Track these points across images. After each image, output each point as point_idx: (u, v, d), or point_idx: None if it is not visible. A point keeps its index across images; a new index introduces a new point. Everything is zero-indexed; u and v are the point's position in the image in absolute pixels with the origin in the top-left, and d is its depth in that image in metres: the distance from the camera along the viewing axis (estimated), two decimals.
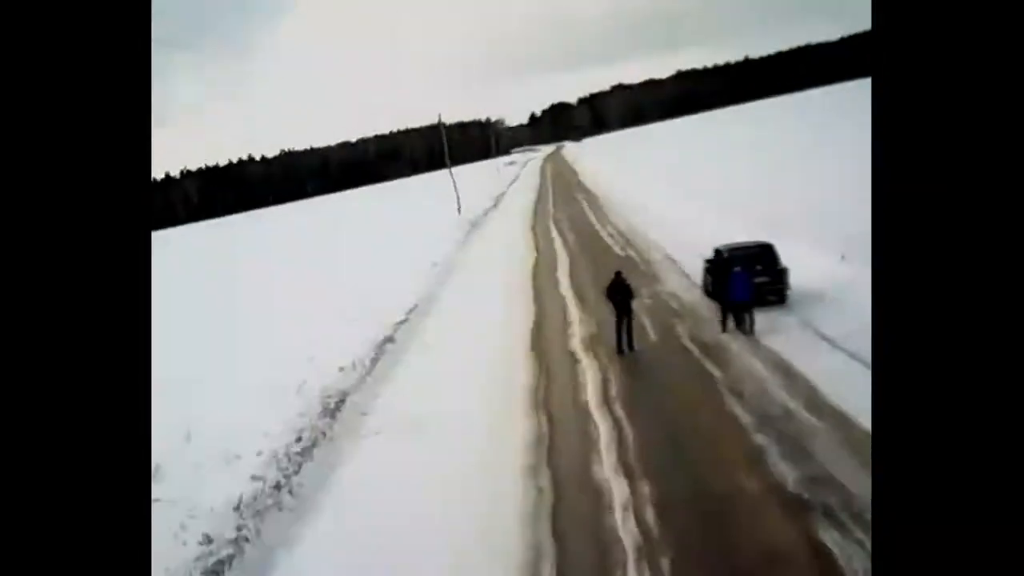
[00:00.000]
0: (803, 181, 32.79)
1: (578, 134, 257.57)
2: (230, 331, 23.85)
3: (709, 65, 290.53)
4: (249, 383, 16.31)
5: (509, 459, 11.13)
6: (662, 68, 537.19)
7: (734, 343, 14.59)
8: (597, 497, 9.53)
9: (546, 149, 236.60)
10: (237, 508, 11.02)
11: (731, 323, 15.34)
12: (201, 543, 10.24)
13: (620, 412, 12.19)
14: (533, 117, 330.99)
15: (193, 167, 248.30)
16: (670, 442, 10.84)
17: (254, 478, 12.04)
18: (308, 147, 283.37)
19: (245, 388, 16.03)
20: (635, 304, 16.18)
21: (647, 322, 16.93)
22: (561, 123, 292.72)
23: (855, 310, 14.46)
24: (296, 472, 12.20)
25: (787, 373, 12.46)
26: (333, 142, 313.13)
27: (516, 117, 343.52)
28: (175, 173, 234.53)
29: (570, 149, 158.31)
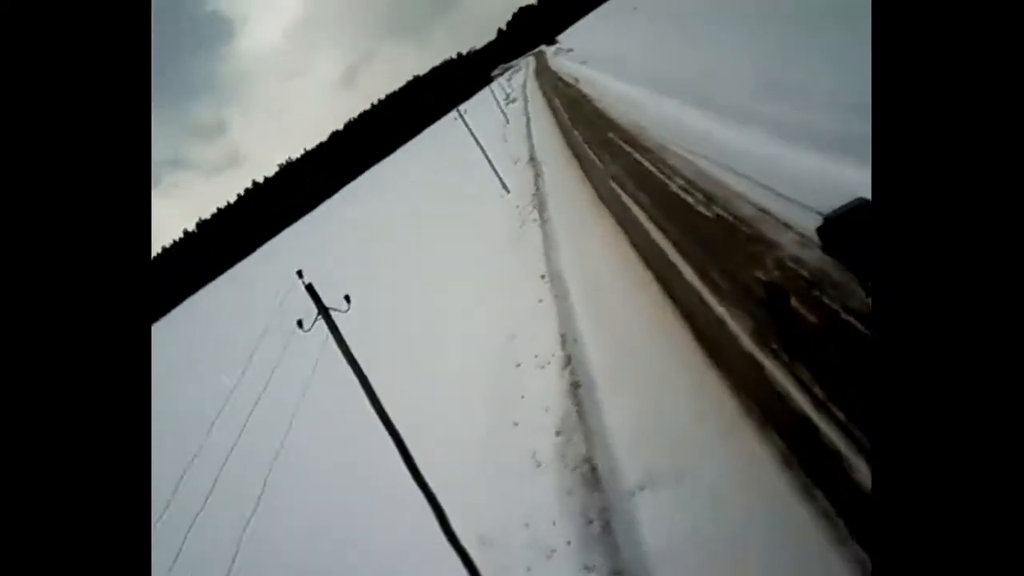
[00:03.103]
0: None
1: (549, 35, 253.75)
2: None
3: None
4: None
5: None
6: None
7: None
8: None
9: (524, 61, 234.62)
10: None
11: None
12: None
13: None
14: (500, 32, 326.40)
15: None
16: None
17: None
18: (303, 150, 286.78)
19: None
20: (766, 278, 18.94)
21: (797, 303, 19.26)
22: (528, 27, 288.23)
23: None
24: None
25: None
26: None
27: (482, 37, 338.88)
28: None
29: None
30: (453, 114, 62.30)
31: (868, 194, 20.00)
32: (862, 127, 25.10)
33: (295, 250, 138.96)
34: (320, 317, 14.30)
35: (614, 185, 41.35)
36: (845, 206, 20.81)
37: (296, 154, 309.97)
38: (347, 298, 14.57)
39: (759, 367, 17.87)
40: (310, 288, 14.18)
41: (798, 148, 27.84)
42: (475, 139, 60.51)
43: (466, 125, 60.37)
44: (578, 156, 55.98)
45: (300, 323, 14.40)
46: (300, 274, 14.36)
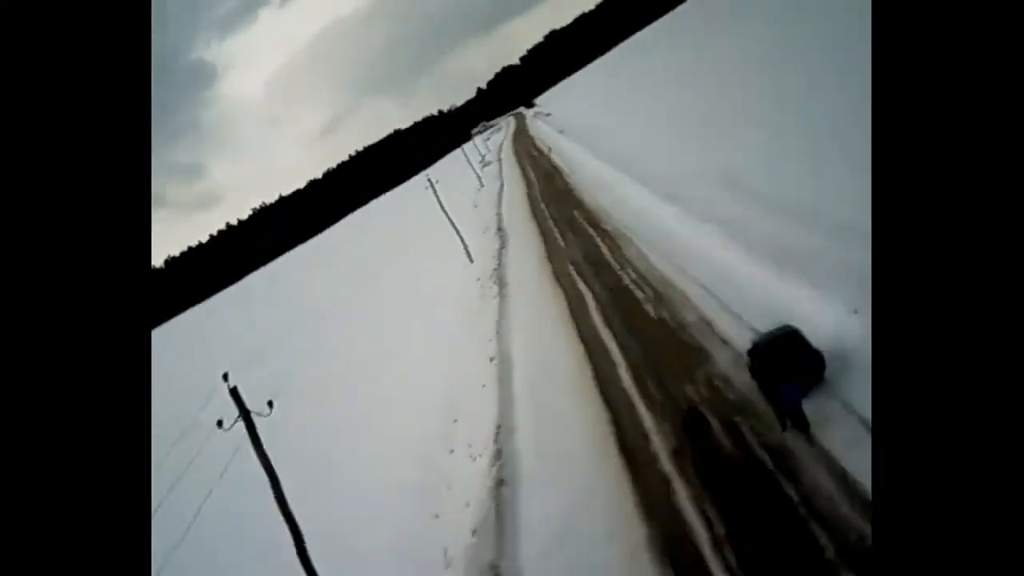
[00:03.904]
0: None
1: (528, 96, 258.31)
2: None
3: None
4: None
5: None
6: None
7: (796, 448, 17.09)
8: None
9: (504, 121, 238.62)
10: None
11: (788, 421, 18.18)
12: None
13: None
14: (480, 91, 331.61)
15: None
16: None
17: None
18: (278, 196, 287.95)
19: None
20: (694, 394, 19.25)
21: (717, 427, 19.66)
22: (509, 87, 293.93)
23: None
24: None
25: (853, 493, 14.89)
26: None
27: (462, 94, 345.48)
28: None
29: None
30: (424, 182, 62.90)
31: (815, 318, 20.18)
32: (825, 245, 24.20)
33: (249, 302, 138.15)
34: (240, 419, 14.55)
35: (571, 269, 42.03)
36: (774, 332, 20.91)
37: (271, 199, 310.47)
38: (270, 404, 14.85)
39: (671, 492, 18.22)
40: (234, 392, 14.44)
41: (754, 257, 27.55)
42: (443, 210, 60.88)
43: (435, 195, 60.95)
44: (543, 232, 56.85)
45: (220, 423, 14.62)
46: (225, 377, 14.60)
